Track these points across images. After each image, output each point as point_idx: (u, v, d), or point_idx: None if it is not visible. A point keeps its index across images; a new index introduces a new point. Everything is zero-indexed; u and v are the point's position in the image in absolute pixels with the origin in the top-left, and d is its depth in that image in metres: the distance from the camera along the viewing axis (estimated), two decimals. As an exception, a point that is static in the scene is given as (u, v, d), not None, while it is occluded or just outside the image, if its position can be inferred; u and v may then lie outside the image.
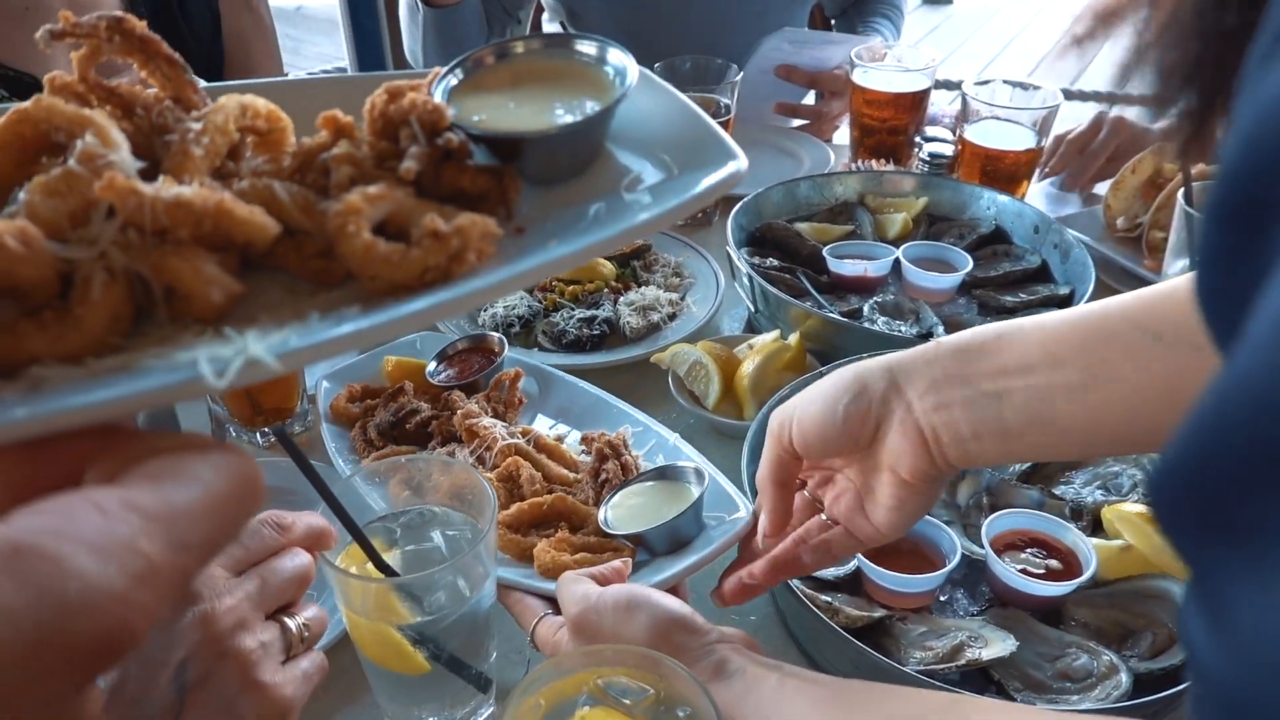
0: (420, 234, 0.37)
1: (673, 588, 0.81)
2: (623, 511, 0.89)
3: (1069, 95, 3.71)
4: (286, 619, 0.68)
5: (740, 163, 0.43)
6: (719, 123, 1.42)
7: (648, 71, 0.48)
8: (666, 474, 0.93)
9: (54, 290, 0.34)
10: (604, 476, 0.93)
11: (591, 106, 0.46)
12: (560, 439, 1.04)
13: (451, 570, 0.72)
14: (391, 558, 0.75)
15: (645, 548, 0.87)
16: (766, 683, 0.65)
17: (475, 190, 0.43)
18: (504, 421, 1.05)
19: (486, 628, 0.77)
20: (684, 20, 1.88)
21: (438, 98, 0.44)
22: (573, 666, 0.64)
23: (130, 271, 0.35)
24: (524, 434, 1.00)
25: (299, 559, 0.70)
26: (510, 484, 0.95)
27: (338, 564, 0.73)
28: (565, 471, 0.98)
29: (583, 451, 1.01)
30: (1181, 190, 1.17)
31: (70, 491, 0.27)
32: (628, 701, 0.63)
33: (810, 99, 1.97)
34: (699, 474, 0.90)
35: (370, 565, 0.72)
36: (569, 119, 0.45)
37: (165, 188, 0.35)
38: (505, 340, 1.15)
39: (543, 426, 1.09)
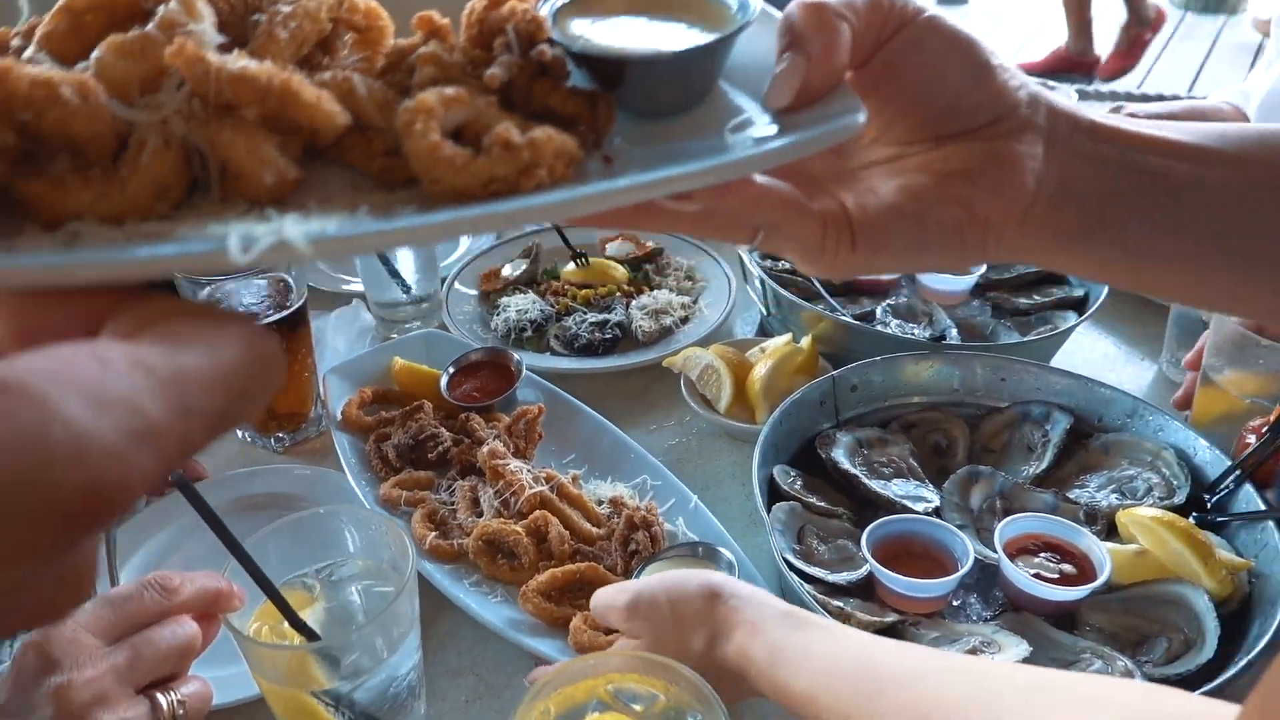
0: (491, 142, 0.35)
1: None
2: None
3: (1084, 96, 3.68)
4: (160, 694, 0.65)
5: (861, 115, 0.40)
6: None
7: (771, 8, 0.45)
8: (698, 551, 0.92)
9: (111, 151, 0.34)
10: (633, 547, 0.93)
11: (706, 36, 0.42)
12: (576, 478, 1.04)
13: (372, 630, 0.69)
14: (310, 614, 0.72)
15: None
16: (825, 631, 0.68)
17: (566, 112, 0.40)
18: (523, 457, 1.06)
19: (411, 688, 0.75)
20: None
21: (542, 10, 0.42)
22: (582, 672, 0.64)
23: (188, 143, 0.34)
24: (548, 480, 1.00)
25: (182, 629, 0.67)
26: (537, 539, 0.95)
27: (251, 623, 0.70)
28: (591, 528, 0.98)
29: (602, 504, 1.01)
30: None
31: (78, 341, 0.27)
32: (638, 707, 0.63)
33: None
34: (729, 560, 0.90)
35: (287, 625, 0.69)
36: (680, 46, 0.41)
37: (233, 59, 0.34)
38: (522, 361, 1.15)
39: (559, 460, 1.09)
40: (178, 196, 0.35)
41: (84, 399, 0.23)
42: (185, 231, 0.32)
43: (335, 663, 0.70)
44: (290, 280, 1.09)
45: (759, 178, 0.46)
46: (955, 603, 0.89)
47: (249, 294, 1.08)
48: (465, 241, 1.57)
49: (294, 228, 0.30)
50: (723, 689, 0.68)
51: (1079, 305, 1.25)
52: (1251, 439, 0.94)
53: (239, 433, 1.17)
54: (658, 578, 0.76)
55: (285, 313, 1.07)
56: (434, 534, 0.97)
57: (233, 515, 1.04)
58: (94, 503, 0.23)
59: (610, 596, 0.78)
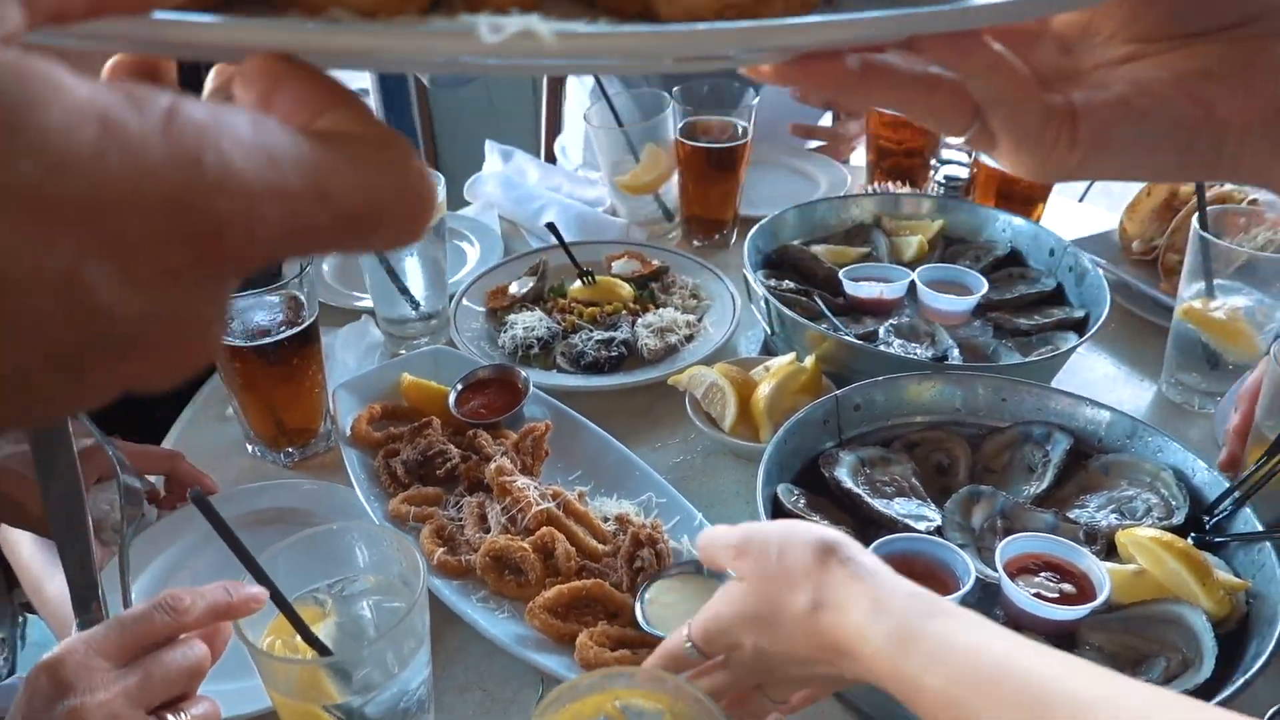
0: None
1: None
2: (659, 608, 0.90)
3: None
4: (170, 716, 0.66)
5: None
6: (737, 144, 1.44)
7: None
8: (702, 569, 0.93)
9: None
10: (639, 564, 0.94)
11: None
12: (582, 494, 1.05)
13: (383, 645, 0.71)
14: (322, 629, 0.74)
15: None
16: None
17: None
18: (530, 473, 1.07)
19: (421, 702, 0.76)
20: None
21: None
22: (589, 689, 0.66)
23: None
24: (554, 496, 1.01)
25: (191, 650, 0.68)
26: (544, 555, 0.96)
27: (265, 637, 0.72)
28: (597, 545, 0.99)
29: (608, 520, 1.02)
30: (1196, 214, 1.18)
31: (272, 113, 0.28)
32: (644, 724, 0.65)
33: (827, 120, 1.99)
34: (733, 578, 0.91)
35: (299, 639, 0.71)
36: None
37: None
38: (529, 378, 1.17)
39: (565, 476, 1.11)
40: (424, 4, 0.34)
41: (236, 139, 0.24)
42: (437, 23, 0.32)
43: (347, 677, 0.71)
44: (302, 297, 1.11)
45: (996, 46, 0.42)
46: (956, 621, 0.90)
47: (262, 311, 1.10)
48: (473, 257, 1.59)
49: (540, 23, 0.30)
50: (817, 667, 0.65)
51: (1080, 326, 1.27)
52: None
53: (249, 447, 1.19)
54: (777, 522, 0.71)
55: (296, 329, 1.09)
56: (442, 550, 0.98)
57: (242, 530, 1.04)
58: (224, 241, 0.24)
59: (721, 533, 0.73)
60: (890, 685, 0.60)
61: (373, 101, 2.88)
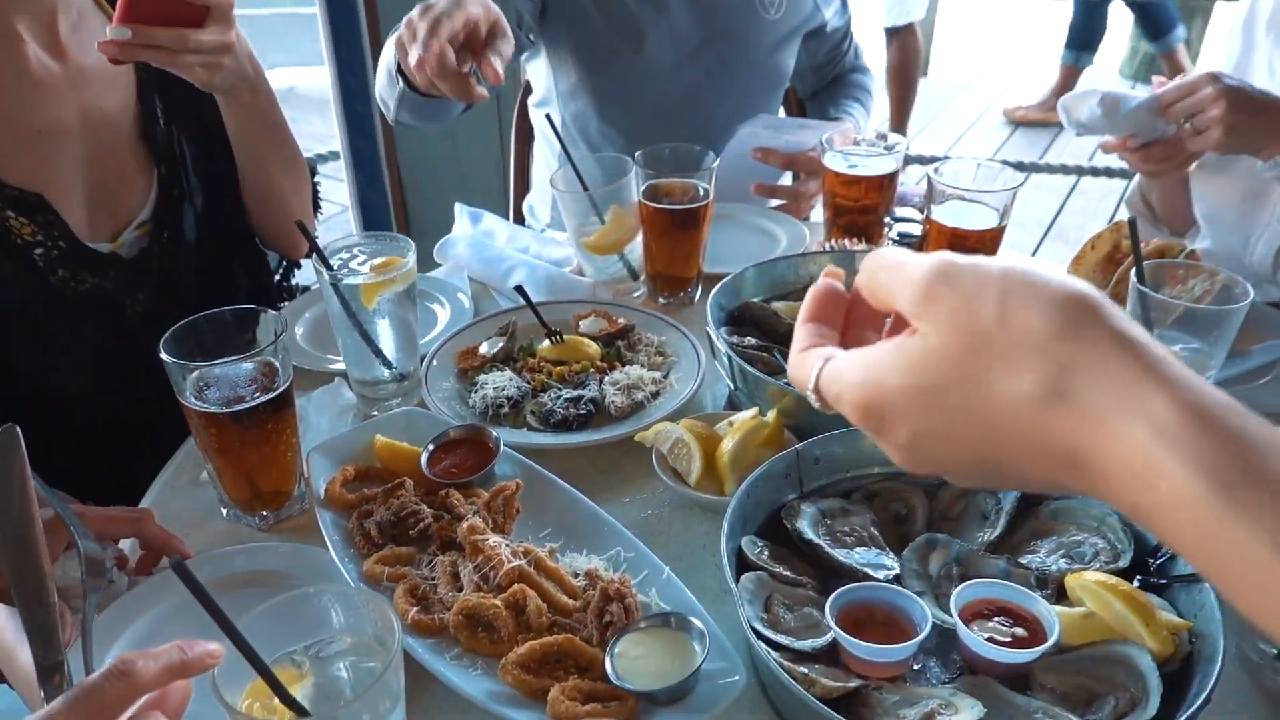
0: None
1: None
2: (628, 662, 0.93)
3: (1046, 169, 3.83)
4: None
5: None
6: (698, 206, 1.49)
7: None
8: (670, 621, 0.96)
9: None
10: (608, 618, 0.97)
11: None
12: (553, 551, 1.08)
13: (359, 705, 0.72)
14: (300, 690, 0.76)
15: (649, 699, 0.91)
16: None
17: None
18: (501, 531, 1.10)
19: None
20: (667, 111, 1.96)
21: None
22: None
23: None
24: (525, 553, 1.04)
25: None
26: (516, 612, 0.99)
27: (243, 700, 0.74)
28: (568, 601, 1.02)
29: (579, 576, 1.05)
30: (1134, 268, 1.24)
31: None
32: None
33: (787, 179, 2.05)
34: (701, 630, 0.94)
35: (277, 701, 0.73)
36: None
37: None
38: (500, 437, 1.20)
39: (536, 533, 1.13)
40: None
41: None
42: None
43: None
44: (277, 363, 1.13)
45: None
46: (916, 666, 0.94)
47: (237, 377, 1.12)
48: (444, 319, 1.62)
49: None
50: (1024, 473, 0.49)
51: (1030, 376, 1.32)
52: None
53: (223, 511, 1.20)
54: (1000, 259, 0.50)
55: (271, 395, 1.12)
56: (415, 609, 1.00)
57: (218, 593, 1.06)
58: None
59: (901, 260, 0.53)
60: (1189, 542, 0.42)
61: (342, 165, 2.93)
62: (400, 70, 1.56)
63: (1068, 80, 5.81)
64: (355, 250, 1.38)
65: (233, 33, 1.35)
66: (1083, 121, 1.57)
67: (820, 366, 0.56)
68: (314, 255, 1.30)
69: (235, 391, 1.11)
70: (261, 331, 1.16)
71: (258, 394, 1.12)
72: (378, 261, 1.34)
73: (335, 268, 1.32)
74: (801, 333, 0.62)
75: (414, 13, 1.42)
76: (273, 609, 0.79)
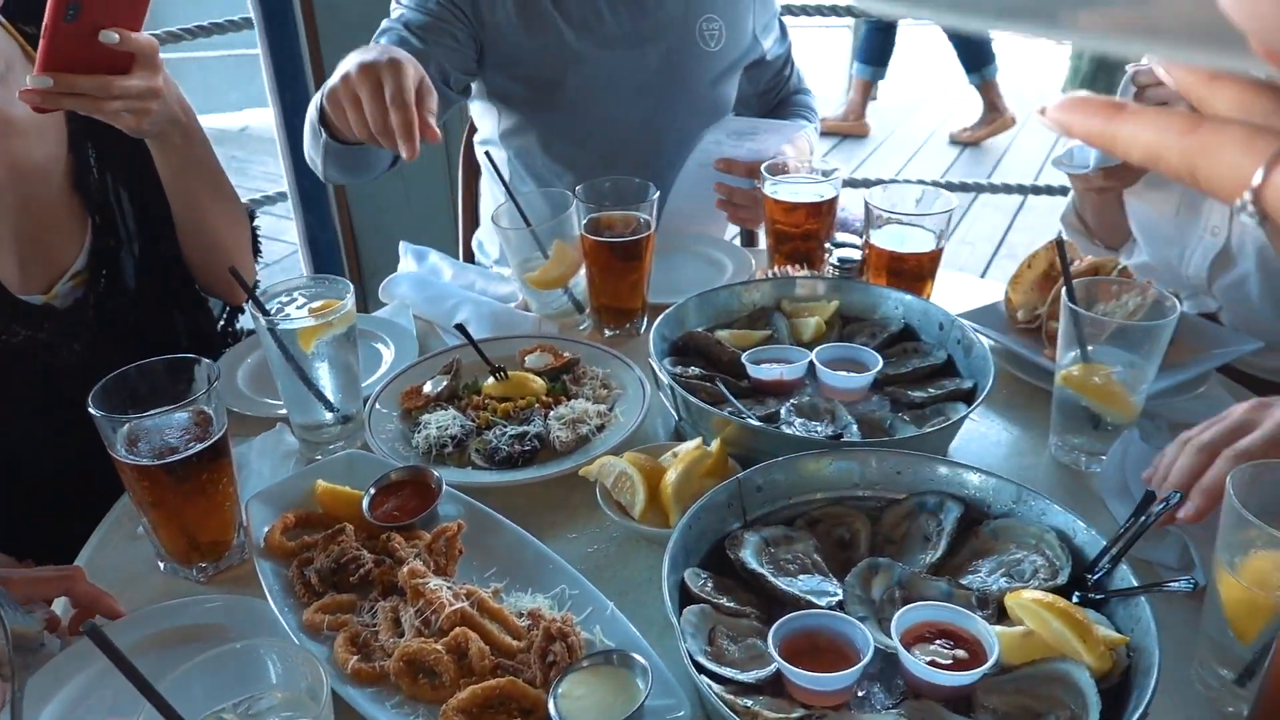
0: None
1: None
2: (571, 703, 0.92)
3: (991, 188, 3.89)
4: None
5: None
6: (641, 238, 1.50)
7: None
8: (612, 659, 0.96)
9: None
10: (551, 659, 0.96)
11: None
12: (497, 591, 1.07)
13: None
14: None
15: None
16: None
17: None
18: (444, 573, 1.09)
19: None
20: (612, 145, 1.97)
21: None
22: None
23: None
24: (468, 595, 1.03)
25: None
26: (458, 656, 0.97)
27: None
28: (512, 642, 1.01)
29: (523, 616, 1.04)
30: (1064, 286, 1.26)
31: None
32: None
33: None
34: (644, 667, 0.93)
35: None
36: None
37: None
38: (442, 478, 1.19)
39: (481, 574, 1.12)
40: None
41: None
42: None
43: None
44: (210, 412, 1.12)
45: None
46: (860, 693, 0.94)
47: (169, 428, 1.11)
48: (389, 359, 1.61)
49: None
50: None
51: (969, 396, 1.33)
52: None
53: (160, 565, 1.18)
54: None
55: (205, 444, 1.10)
56: (356, 658, 0.98)
57: (156, 650, 1.05)
58: None
59: None
60: None
61: (290, 204, 2.92)
62: (323, 122, 1.57)
63: (864, 92, 6.29)
64: (295, 294, 1.37)
65: (159, 77, 1.34)
66: (1082, 162, 1.56)
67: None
68: (250, 300, 1.29)
69: (167, 443, 1.10)
70: (197, 380, 1.14)
71: (191, 444, 1.10)
72: (316, 305, 1.33)
73: (273, 312, 1.30)
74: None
75: (351, 69, 1.42)
76: (200, 666, 0.77)
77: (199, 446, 1.10)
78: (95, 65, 1.26)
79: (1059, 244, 1.33)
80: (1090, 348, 1.26)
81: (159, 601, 1.11)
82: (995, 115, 6.10)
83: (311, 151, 1.71)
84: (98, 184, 1.53)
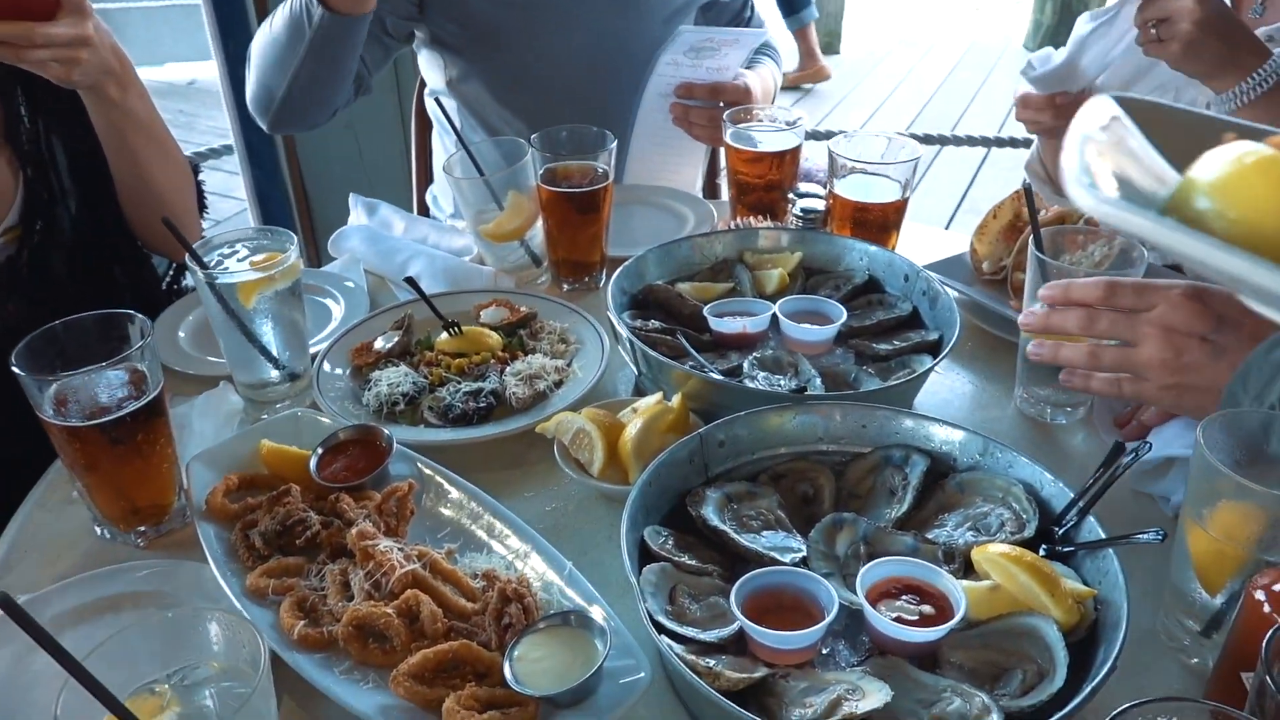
0: None
1: None
2: (528, 665, 0.88)
3: (954, 141, 3.87)
4: None
5: None
6: (598, 188, 1.46)
7: None
8: (570, 620, 0.92)
9: None
10: (507, 620, 0.92)
11: None
12: (451, 552, 1.03)
13: None
14: None
15: (550, 702, 0.87)
16: None
17: None
18: (395, 535, 1.04)
19: None
20: (564, 90, 1.90)
21: None
22: None
23: None
24: (420, 556, 0.99)
25: None
26: (410, 619, 0.93)
27: None
28: (464, 603, 0.97)
29: (477, 577, 1.00)
30: (1031, 235, 1.23)
31: None
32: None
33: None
34: (602, 628, 0.90)
35: None
36: None
37: None
38: (392, 436, 1.14)
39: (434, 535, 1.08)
40: None
41: None
42: None
43: None
44: (144, 369, 1.06)
45: None
46: (825, 650, 0.91)
47: (101, 387, 1.05)
48: (339, 315, 1.56)
49: None
50: None
51: (935, 348, 1.31)
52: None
53: (98, 530, 1.13)
54: None
55: (139, 403, 1.04)
56: (303, 623, 0.94)
57: (93, 619, 1.01)
58: None
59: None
60: None
61: (237, 158, 2.82)
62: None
63: (807, 39, 6.19)
64: (237, 246, 1.30)
65: (89, 24, 1.26)
66: (1043, 74, 1.51)
67: None
68: (187, 253, 1.22)
69: (99, 403, 1.04)
70: (131, 337, 1.08)
71: (125, 403, 1.04)
72: (258, 258, 1.27)
73: (212, 265, 1.24)
74: None
75: None
76: (129, 635, 0.73)
77: (133, 405, 1.04)
78: (18, 11, 1.19)
79: (1026, 192, 1.30)
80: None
81: (96, 567, 1.07)
82: (811, 63, 6.13)
83: (272, 76, 1.67)
84: (29, 134, 1.46)
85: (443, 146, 2.15)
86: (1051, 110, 1.51)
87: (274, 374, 1.30)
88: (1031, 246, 1.21)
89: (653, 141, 1.93)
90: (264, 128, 1.85)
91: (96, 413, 1.03)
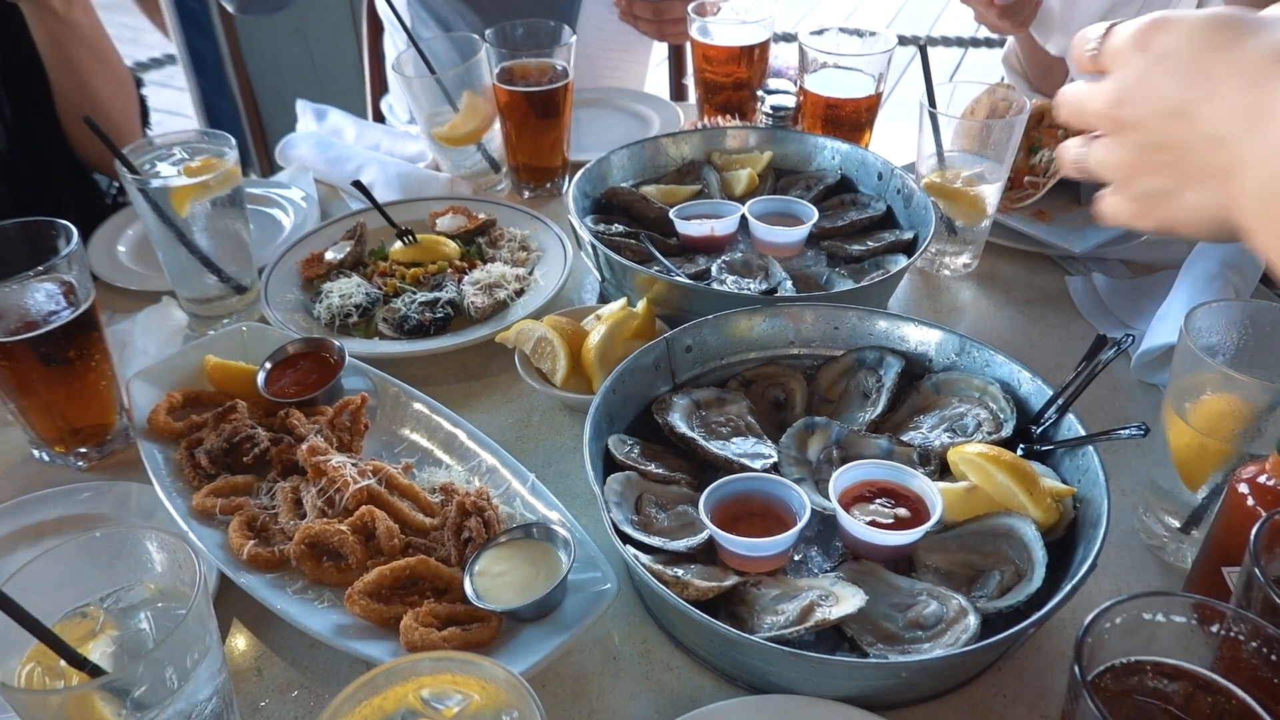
0: None
1: None
2: (489, 580, 0.84)
3: (930, 41, 3.77)
4: None
5: None
6: (558, 87, 1.37)
7: None
8: (532, 532, 0.88)
9: None
10: (466, 535, 0.88)
11: None
12: (408, 467, 0.99)
13: (160, 656, 0.63)
14: (95, 647, 0.67)
15: (513, 616, 0.83)
16: None
17: None
18: (350, 450, 1.00)
19: (216, 715, 0.69)
20: None
21: None
22: (389, 680, 0.60)
23: None
24: (375, 471, 0.94)
25: None
26: (365, 536, 0.89)
27: (21, 667, 0.64)
28: (423, 518, 0.93)
29: (435, 492, 0.96)
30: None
31: None
32: (451, 709, 0.60)
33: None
34: (565, 539, 0.86)
35: (64, 663, 0.63)
36: None
37: None
38: (344, 349, 1.09)
39: (391, 450, 1.04)
40: None
41: None
42: None
43: (123, 697, 0.63)
44: (72, 279, 0.99)
45: None
46: (797, 557, 0.88)
47: (26, 299, 0.98)
48: (288, 225, 1.48)
49: None
50: (1198, 127, 0.56)
51: (909, 248, 1.26)
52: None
53: (35, 453, 1.07)
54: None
55: (69, 317, 0.98)
56: (253, 542, 0.90)
57: (30, 545, 0.96)
58: None
59: (1125, 28, 0.62)
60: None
61: (180, 66, 2.68)
62: None
63: None
64: (174, 150, 1.22)
65: None
66: None
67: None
68: (116, 158, 1.14)
69: (26, 318, 0.97)
70: (59, 248, 1.01)
71: (54, 317, 0.98)
72: (194, 163, 1.19)
73: (144, 170, 1.17)
74: None
75: None
76: (56, 557, 0.68)
77: (63, 319, 0.98)
78: None
79: (921, 49, 1.31)
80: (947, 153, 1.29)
81: (36, 491, 1.01)
82: None
83: None
84: None
85: (395, 48, 2.04)
86: (994, 10, 1.48)
87: (217, 286, 1.24)
88: (924, 101, 1.27)
89: (596, 38, 1.83)
90: (232, 9, 1.75)
91: (23, 328, 0.97)
